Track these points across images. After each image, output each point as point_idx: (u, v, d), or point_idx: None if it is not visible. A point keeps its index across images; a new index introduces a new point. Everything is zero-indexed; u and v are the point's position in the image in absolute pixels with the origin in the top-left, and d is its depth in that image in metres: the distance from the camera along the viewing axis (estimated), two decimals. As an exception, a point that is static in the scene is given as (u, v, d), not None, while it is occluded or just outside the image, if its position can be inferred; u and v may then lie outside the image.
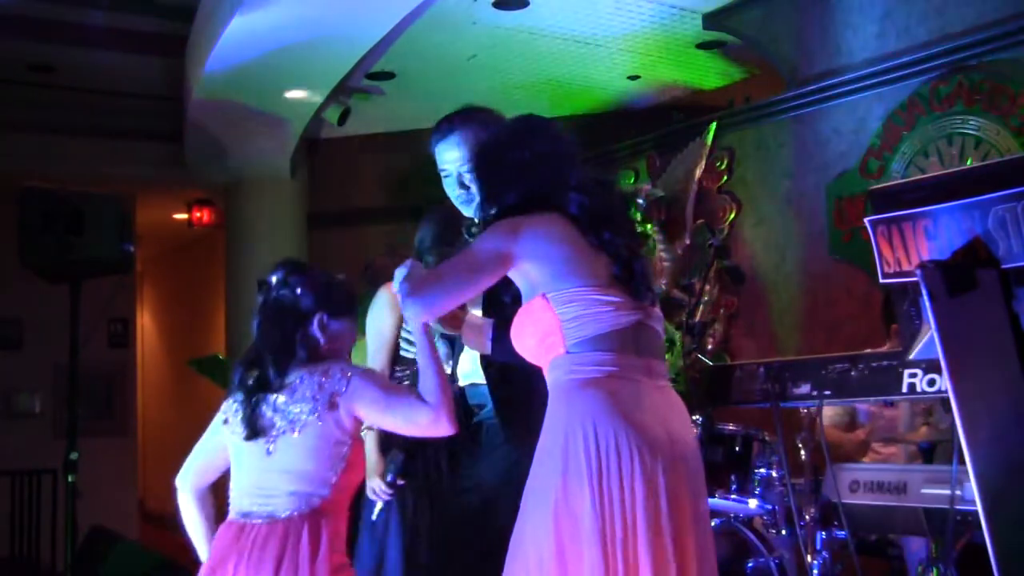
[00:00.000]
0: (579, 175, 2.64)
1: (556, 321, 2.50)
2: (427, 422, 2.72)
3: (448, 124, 3.28)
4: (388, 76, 7.41)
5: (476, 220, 3.29)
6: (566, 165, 2.66)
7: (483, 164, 2.75)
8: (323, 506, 2.79)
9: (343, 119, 7.74)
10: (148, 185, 9.02)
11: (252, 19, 5.86)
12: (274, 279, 2.96)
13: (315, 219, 8.87)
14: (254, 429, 2.83)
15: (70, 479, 5.11)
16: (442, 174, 3.28)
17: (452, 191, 3.25)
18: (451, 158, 3.22)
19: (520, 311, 2.60)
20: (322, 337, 2.90)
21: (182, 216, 10.17)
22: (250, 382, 2.88)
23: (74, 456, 5.10)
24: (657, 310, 2.61)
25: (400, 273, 2.65)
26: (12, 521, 8.66)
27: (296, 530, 2.76)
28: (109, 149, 8.69)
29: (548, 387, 2.57)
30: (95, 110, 8.45)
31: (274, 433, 2.81)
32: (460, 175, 3.20)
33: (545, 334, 2.54)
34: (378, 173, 8.80)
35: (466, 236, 3.30)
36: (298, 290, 2.92)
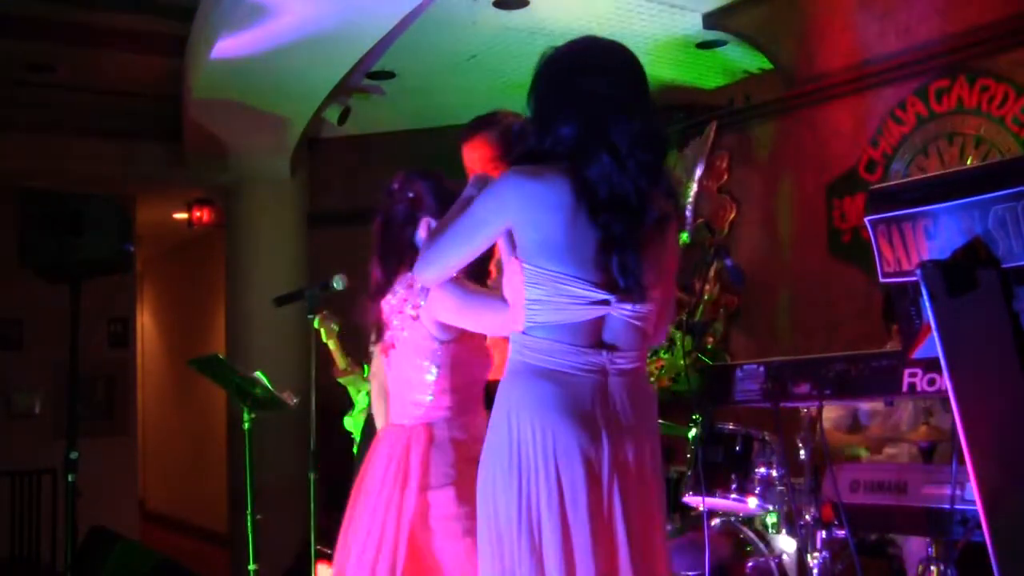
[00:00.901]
0: (627, 130, 2.43)
1: (522, 297, 2.45)
2: (503, 322, 2.74)
3: (477, 123, 3.42)
4: (388, 76, 7.41)
5: None
6: (619, 114, 2.45)
7: (545, 81, 2.55)
8: (427, 414, 2.96)
9: (343, 118, 7.74)
10: (148, 185, 9.02)
11: (252, 18, 5.86)
12: (394, 187, 3.22)
13: (315, 219, 8.87)
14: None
15: (70, 479, 5.11)
16: (468, 171, 3.39)
17: None
18: (475, 156, 3.38)
19: (508, 264, 2.54)
20: None
21: (182, 216, 10.16)
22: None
23: (74, 456, 5.10)
24: (641, 305, 2.46)
25: (473, 180, 2.72)
26: (12, 521, 8.67)
27: (400, 438, 2.95)
28: (109, 149, 8.68)
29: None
30: (95, 110, 8.44)
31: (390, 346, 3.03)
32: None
33: (513, 302, 2.51)
34: (378, 173, 8.77)
35: None
36: (409, 194, 3.15)
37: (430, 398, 2.94)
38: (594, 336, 2.45)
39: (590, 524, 2.36)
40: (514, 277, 2.47)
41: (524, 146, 2.57)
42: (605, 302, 2.42)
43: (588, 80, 2.48)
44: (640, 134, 2.45)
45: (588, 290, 2.41)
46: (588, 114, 2.45)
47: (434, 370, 2.92)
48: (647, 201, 2.46)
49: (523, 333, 2.46)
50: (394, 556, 2.86)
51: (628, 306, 2.44)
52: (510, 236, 2.51)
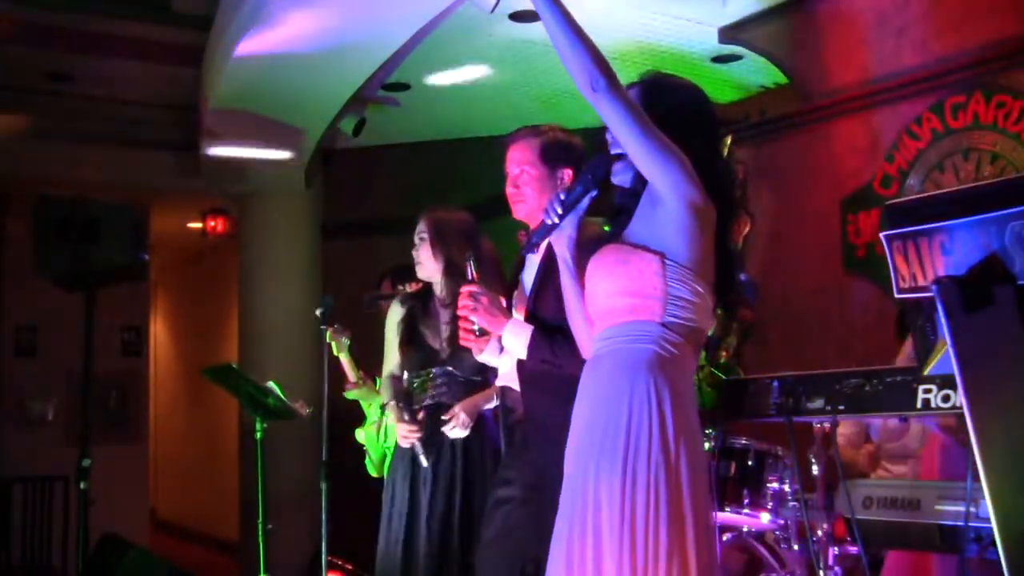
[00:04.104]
0: (728, 170, 2.71)
1: (662, 291, 2.49)
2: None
3: (520, 129, 3.49)
4: (403, 87, 7.43)
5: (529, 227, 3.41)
6: (722, 156, 2.71)
7: (661, 100, 2.71)
8: None
9: (358, 130, 7.76)
10: (163, 194, 9.05)
11: (268, 30, 5.88)
12: None
13: (329, 229, 8.89)
14: None
15: (82, 486, 5.12)
16: (508, 173, 3.46)
17: (508, 190, 3.44)
18: (512, 158, 3.41)
19: (623, 251, 2.57)
20: None
21: (196, 225, 10.20)
22: None
23: (86, 463, 5.11)
24: None
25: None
26: (24, 528, 8.70)
27: None
28: (125, 158, 8.72)
29: (618, 342, 2.54)
30: (112, 119, 8.49)
31: None
32: (515, 176, 3.40)
33: (641, 293, 2.52)
34: (393, 184, 8.82)
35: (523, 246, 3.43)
36: None
37: None
38: (697, 345, 2.57)
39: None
40: (642, 267, 2.51)
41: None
42: (713, 315, 2.58)
43: (706, 114, 2.79)
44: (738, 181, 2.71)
45: (709, 301, 2.54)
46: (710, 144, 2.68)
47: None
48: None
49: (662, 325, 2.50)
50: None
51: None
52: None
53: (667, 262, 2.49)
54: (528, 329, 3.19)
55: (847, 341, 5.88)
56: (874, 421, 4.99)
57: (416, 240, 4.33)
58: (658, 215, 2.54)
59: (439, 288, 4.35)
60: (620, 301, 2.55)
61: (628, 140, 2.53)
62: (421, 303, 4.43)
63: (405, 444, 4.27)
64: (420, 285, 4.56)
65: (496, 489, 3.47)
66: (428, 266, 4.29)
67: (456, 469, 4.23)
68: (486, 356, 3.48)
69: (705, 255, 2.52)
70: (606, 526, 2.43)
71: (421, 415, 4.25)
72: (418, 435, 4.21)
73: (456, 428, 4.16)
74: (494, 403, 4.09)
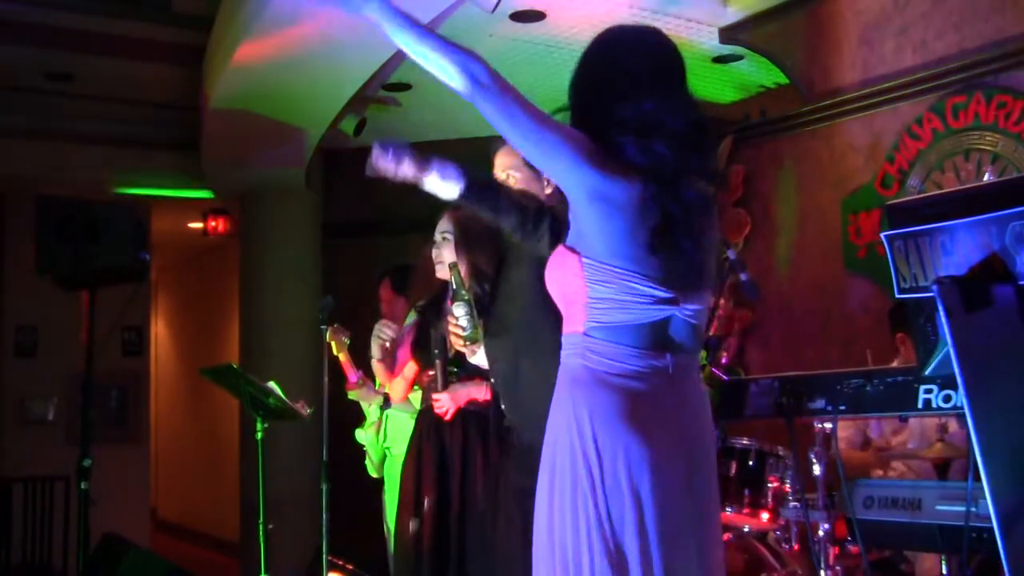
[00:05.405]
0: (678, 104, 2.33)
1: (583, 295, 2.28)
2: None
3: None
4: (404, 87, 7.43)
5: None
6: (659, 91, 2.33)
7: (574, 88, 2.46)
8: None
9: (359, 130, 7.75)
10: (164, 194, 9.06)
11: (269, 30, 5.88)
12: None
13: (330, 229, 8.89)
14: None
15: (83, 486, 5.11)
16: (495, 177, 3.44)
17: None
18: (498, 163, 3.40)
19: (558, 255, 2.38)
20: None
21: (197, 225, 10.19)
22: None
23: (87, 463, 5.10)
24: (700, 299, 2.36)
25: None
26: (25, 528, 8.69)
27: None
28: (126, 158, 8.72)
29: (563, 357, 2.38)
30: (112, 119, 8.48)
31: None
32: (502, 181, 3.37)
33: (567, 299, 2.34)
34: (393, 184, 8.80)
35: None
36: None
37: None
38: (658, 337, 2.30)
39: (668, 536, 2.24)
40: (566, 270, 2.32)
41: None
42: (673, 301, 2.30)
43: (629, 56, 2.40)
44: (691, 106, 2.36)
45: (654, 290, 2.27)
46: (636, 88, 2.33)
47: None
48: (699, 180, 2.34)
49: (584, 335, 2.29)
50: None
51: (690, 306, 2.33)
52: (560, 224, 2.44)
53: (585, 261, 2.27)
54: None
55: (848, 341, 5.88)
56: (873, 422, 5.00)
57: (438, 239, 4.07)
58: (574, 211, 2.34)
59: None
60: (563, 310, 2.40)
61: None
62: (434, 308, 4.38)
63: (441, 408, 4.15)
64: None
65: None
66: None
67: (456, 465, 4.21)
68: (478, 359, 3.49)
69: (632, 245, 2.25)
70: (538, 552, 2.33)
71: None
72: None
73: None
74: (484, 394, 4.03)
